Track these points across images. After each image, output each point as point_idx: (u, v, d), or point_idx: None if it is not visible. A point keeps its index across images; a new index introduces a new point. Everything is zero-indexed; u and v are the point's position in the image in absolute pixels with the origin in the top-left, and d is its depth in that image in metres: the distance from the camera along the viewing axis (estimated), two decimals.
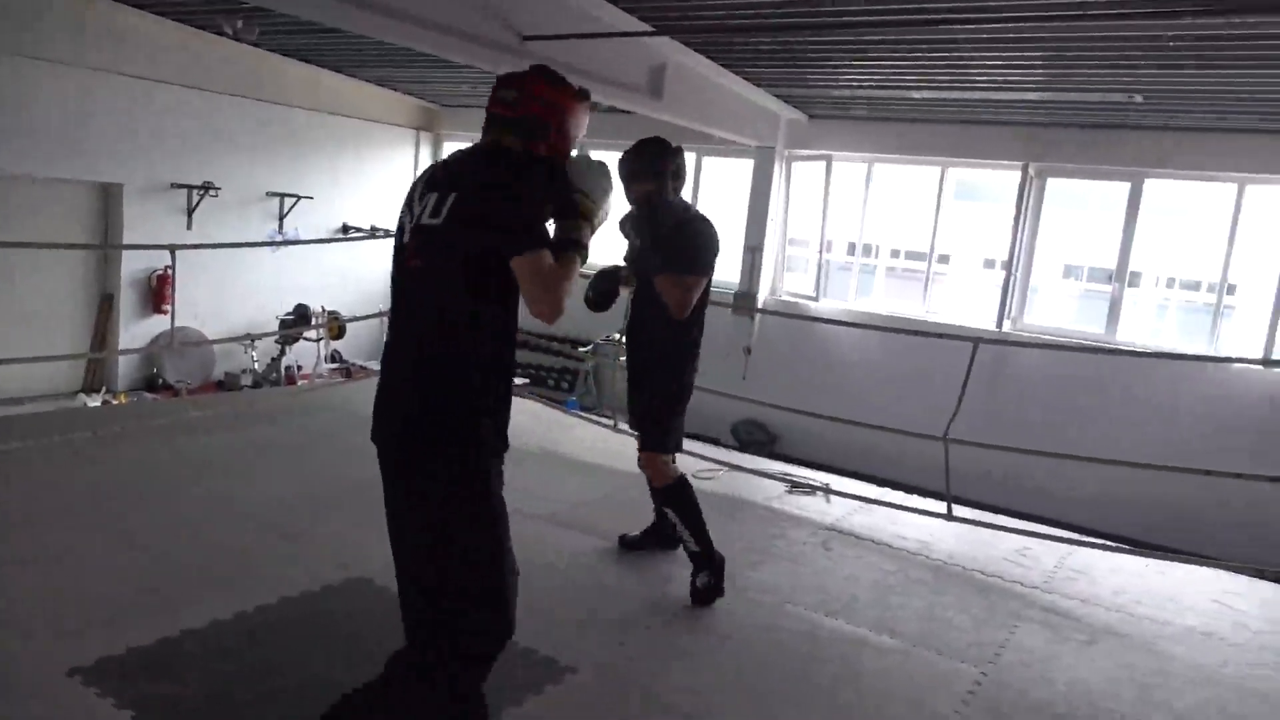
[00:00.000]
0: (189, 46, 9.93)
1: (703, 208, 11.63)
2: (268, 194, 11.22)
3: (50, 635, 2.81)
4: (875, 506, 4.86)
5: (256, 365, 10.43)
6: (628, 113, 10.10)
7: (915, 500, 4.94)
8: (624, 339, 3.68)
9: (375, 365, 11.29)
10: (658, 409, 3.56)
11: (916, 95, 8.74)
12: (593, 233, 2.15)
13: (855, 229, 10.55)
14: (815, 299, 10.67)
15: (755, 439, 10.52)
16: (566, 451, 5.49)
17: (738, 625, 3.41)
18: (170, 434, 5.08)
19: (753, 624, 3.43)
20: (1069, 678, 3.24)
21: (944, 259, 11.50)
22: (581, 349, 11.07)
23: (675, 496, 3.57)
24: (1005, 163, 9.29)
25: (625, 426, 5.81)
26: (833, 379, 10.11)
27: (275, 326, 10.83)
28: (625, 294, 3.56)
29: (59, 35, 9.00)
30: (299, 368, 10.53)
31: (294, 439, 5.23)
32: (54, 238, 9.41)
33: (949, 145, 9.59)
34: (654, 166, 3.43)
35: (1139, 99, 7.65)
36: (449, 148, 13.27)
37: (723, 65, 8.61)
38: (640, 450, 3.59)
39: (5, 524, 3.62)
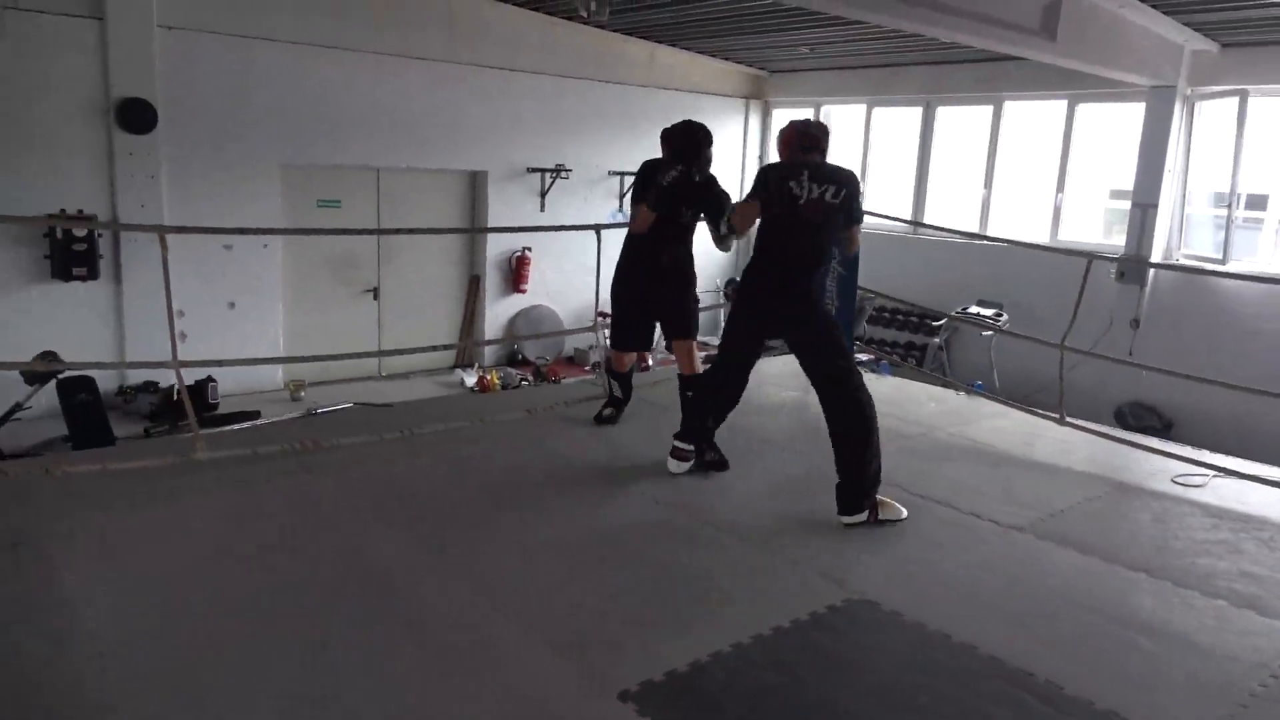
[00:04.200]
0: (538, 33, 10.24)
1: (1073, 161, 10.27)
2: (609, 173, 11.40)
3: (582, 651, 2.68)
4: None
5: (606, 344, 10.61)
6: (1008, 59, 9.17)
7: None
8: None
9: (714, 341, 11.19)
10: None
11: None
12: None
13: (1266, 178, 8.84)
14: (1221, 262, 9.08)
15: (1146, 424, 9.19)
16: (997, 444, 4.86)
17: None
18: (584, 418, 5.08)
19: None
20: None
21: None
22: (935, 323, 10.25)
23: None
24: None
25: (1073, 419, 5.06)
26: (1245, 357, 8.55)
27: None
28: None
29: (433, 33, 9.57)
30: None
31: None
32: (431, 222, 10.12)
33: None
34: None
35: None
36: (779, 115, 12.82)
37: None
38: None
39: (486, 507, 3.66)
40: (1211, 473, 4.43)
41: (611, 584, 3.12)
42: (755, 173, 4.22)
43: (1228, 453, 5.53)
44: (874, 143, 11.76)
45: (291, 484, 3.87)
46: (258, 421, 7.76)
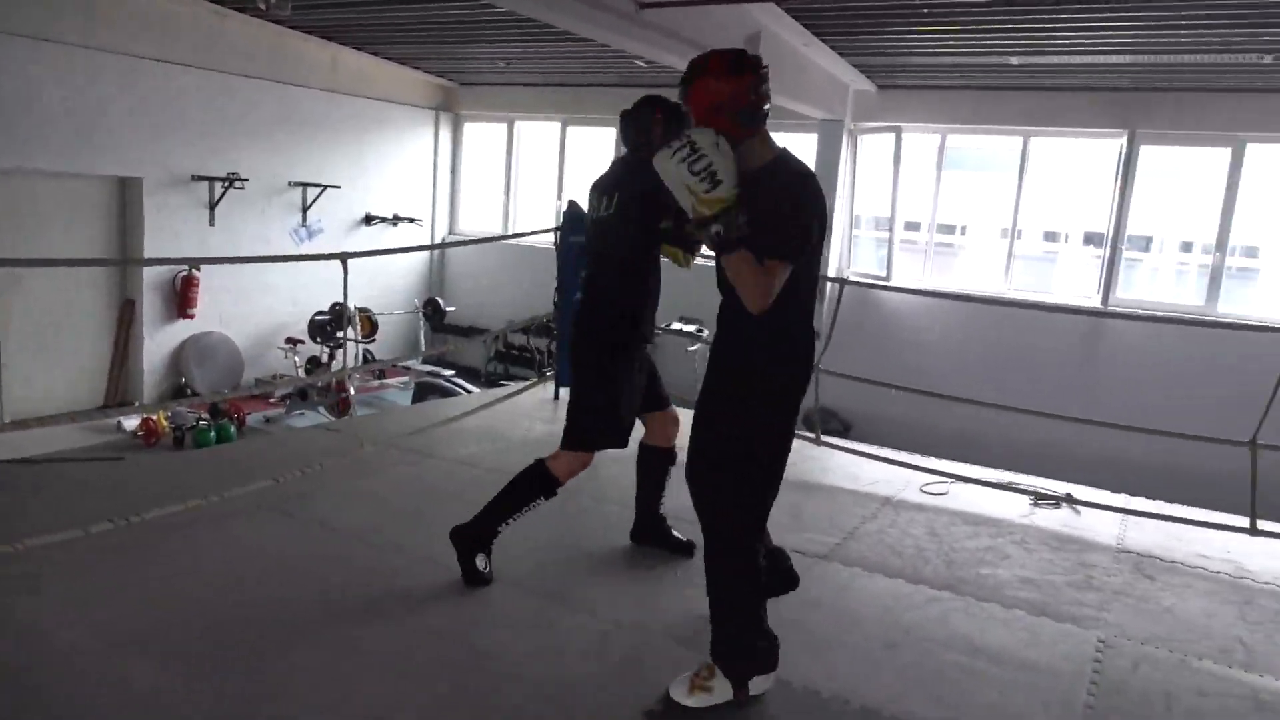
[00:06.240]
0: (203, 23, 9.00)
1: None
2: (290, 184, 10.31)
3: None
4: (1143, 520, 4.39)
5: (300, 371, 9.56)
6: None
7: (1202, 513, 4.46)
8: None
9: (416, 365, 10.51)
10: None
11: (1014, 60, 8.27)
12: None
13: (908, 204, 10.14)
14: (886, 279, 10.20)
15: (830, 428, 10.04)
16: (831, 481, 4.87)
17: (1163, 694, 2.90)
18: (372, 472, 4.37)
19: (1184, 689, 2.92)
20: None
21: (949, 229, 11.43)
22: None
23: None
24: (1101, 130, 8.89)
25: (827, 438, 5.25)
26: (911, 364, 9.66)
27: (305, 326, 9.98)
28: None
29: (67, 13, 7.99)
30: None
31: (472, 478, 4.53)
32: (68, 238, 8.48)
33: (1034, 113, 9.15)
34: None
35: (1268, 59, 7.29)
36: (471, 129, 12.43)
37: (814, 33, 8.01)
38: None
39: (285, 636, 2.92)
40: (950, 480, 4.80)
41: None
42: (780, 184, 2.39)
43: (899, 447, 6.17)
44: (570, 161, 11.77)
45: None
46: None
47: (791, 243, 2.34)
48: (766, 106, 2.42)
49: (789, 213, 2.36)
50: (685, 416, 3.39)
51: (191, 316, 9.49)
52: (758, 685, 2.59)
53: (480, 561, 3.26)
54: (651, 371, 3.47)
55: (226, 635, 2.83)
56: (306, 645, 2.82)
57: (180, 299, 9.38)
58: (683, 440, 2.86)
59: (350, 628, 2.96)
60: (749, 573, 2.57)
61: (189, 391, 9.44)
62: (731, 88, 2.36)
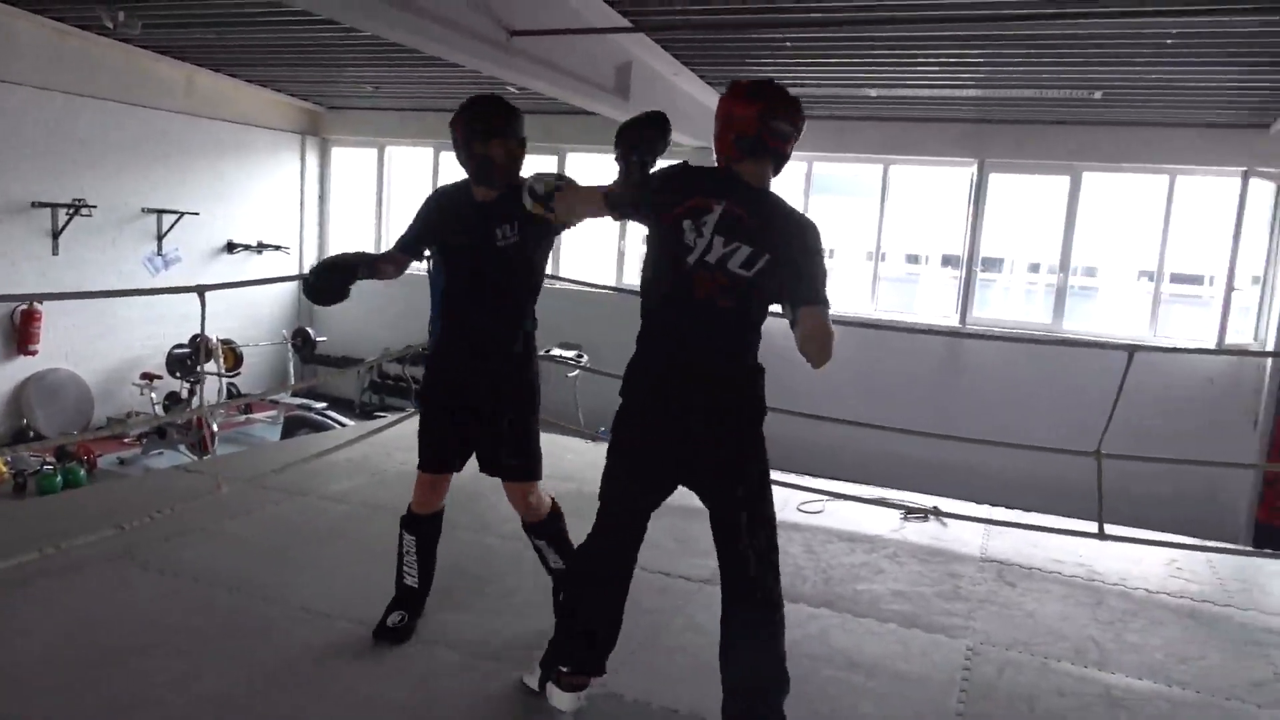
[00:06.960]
0: (44, 41, 8.46)
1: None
2: (143, 210, 9.77)
3: None
4: (1004, 529, 4.62)
5: (157, 408, 9.02)
6: (570, 113, 9.56)
7: (1056, 520, 4.72)
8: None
9: (285, 398, 10.09)
10: (531, 427, 3.09)
11: (873, 93, 8.67)
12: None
13: None
14: None
15: None
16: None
17: (1026, 697, 3.03)
18: (236, 514, 4.12)
19: (1045, 690, 3.06)
20: None
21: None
22: None
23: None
24: (954, 159, 9.41)
25: None
26: (785, 384, 9.88)
27: (162, 360, 9.43)
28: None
29: None
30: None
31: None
32: None
33: (893, 143, 9.61)
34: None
35: (1098, 95, 7.88)
36: (339, 154, 12.11)
37: (683, 62, 8.20)
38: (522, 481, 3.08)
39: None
40: (825, 498, 4.93)
41: None
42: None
43: (776, 467, 6.26)
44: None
45: None
46: None
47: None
48: (776, 146, 2.46)
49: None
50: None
51: (33, 353, 8.83)
52: (564, 701, 2.60)
53: (393, 618, 3.10)
54: (493, 436, 3.06)
55: (67, 699, 2.62)
56: (159, 707, 2.64)
57: (20, 335, 8.72)
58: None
59: (210, 684, 2.78)
60: (572, 591, 2.70)
61: (32, 434, 8.77)
62: (739, 112, 2.47)
